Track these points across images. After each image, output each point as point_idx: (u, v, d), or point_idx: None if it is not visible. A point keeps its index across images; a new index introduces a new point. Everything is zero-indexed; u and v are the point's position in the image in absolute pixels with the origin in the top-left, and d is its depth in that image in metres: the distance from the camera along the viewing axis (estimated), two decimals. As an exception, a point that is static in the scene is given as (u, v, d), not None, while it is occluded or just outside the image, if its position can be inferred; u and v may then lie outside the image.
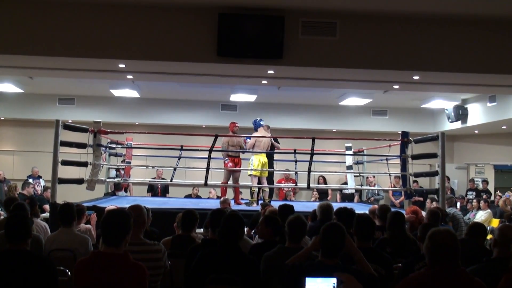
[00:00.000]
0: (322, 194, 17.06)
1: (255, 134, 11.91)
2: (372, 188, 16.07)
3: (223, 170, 12.25)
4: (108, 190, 14.13)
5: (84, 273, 4.01)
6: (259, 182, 11.99)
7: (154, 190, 16.24)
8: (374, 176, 16.33)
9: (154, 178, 16.18)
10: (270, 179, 12.52)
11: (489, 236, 8.56)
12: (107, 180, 13.07)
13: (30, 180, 15.06)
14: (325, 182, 17.74)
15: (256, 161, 11.76)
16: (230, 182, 12.22)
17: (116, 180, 13.85)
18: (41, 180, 16.02)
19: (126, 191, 14.99)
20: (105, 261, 4.01)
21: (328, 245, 4.26)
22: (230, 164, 12.00)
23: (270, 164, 12.31)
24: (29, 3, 9.10)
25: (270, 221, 5.86)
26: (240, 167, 12.29)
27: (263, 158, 11.84)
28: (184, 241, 6.28)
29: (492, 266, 4.48)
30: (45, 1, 9.09)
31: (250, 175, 11.94)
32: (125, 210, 4.50)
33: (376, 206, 9.32)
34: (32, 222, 5.19)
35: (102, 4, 9.14)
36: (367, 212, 8.33)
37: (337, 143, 15.53)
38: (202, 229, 7.76)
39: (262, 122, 12.08)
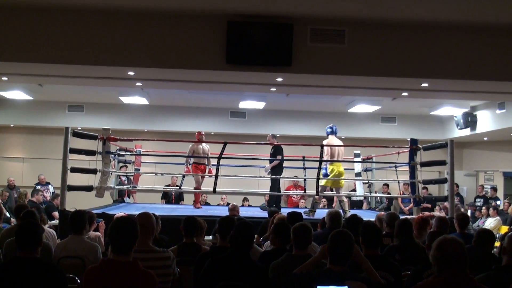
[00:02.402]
0: (330, 201, 17.04)
1: (325, 141, 11.78)
2: (377, 195, 16.05)
3: (231, 177, 12.34)
4: (116, 197, 14.15)
5: (93, 281, 4.01)
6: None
7: (168, 197, 16.24)
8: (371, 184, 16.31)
9: (169, 185, 16.17)
10: (277, 187, 12.43)
11: (497, 243, 8.54)
12: (116, 187, 13.09)
13: (39, 187, 15.12)
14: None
15: (329, 170, 11.61)
16: (238, 189, 12.24)
17: (119, 187, 13.82)
18: (50, 186, 16.08)
19: (129, 197, 14.98)
20: (115, 269, 4.01)
21: (337, 252, 4.27)
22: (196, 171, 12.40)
23: (274, 172, 12.25)
24: (39, 11, 9.15)
25: (280, 230, 5.86)
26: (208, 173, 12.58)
27: (337, 167, 11.59)
28: (189, 248, 6.30)
29: (501, 274, 4.46)
30: (54, 9, 9.14)
31: (322, 185, 11.89)
32: (131, 217, 4.51)
33: (383, 213, 9.30)
34: (43, 230, 5.21)
35: (111, 12, 9.19)
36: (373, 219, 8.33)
37: (346, 150, 15.48)
38: (211, 236, 7.77)
39: (328, 130, 12.01)
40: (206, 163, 12.77)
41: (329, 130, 11.98)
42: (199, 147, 12.58)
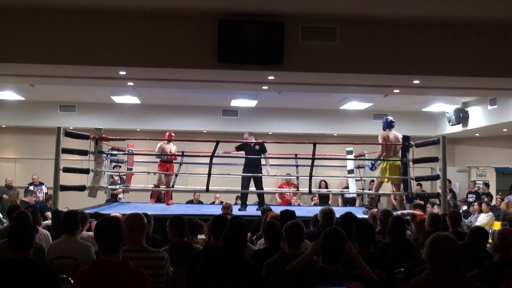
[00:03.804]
0: (324, 198, 17.05)
1: (381, 136, 11.72)
2: (370, 192, 16.08)
3: (224, 176, 12.38)
4: (109, 197, 14.14)
5: (84, 283, 4.01)
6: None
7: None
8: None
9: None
10: (259, 184, 12.36)
11: (491, 239, 8.55)
12: (109, 186, 13.08)
13: (31, 188, 15.08)
14: (326, 187, 17.74)
15: (383, 165, 11.59)
16: (231, 187, 12.22)
17: (112, 187, 13.82)
18: (43, 186, 16.03)
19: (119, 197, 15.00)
20: (106, 269, 4.01)
21: (329, 251, 4.28)
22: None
23: (254, 170, 12.15)
24: (30, 11, 9.13)
25: (269, 228, 5.87)
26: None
27: (394, 161, 11.45)
28: (180, 247, 6.30)
29: (493, 271, 4.48)
30: (45, 9, 9.11)
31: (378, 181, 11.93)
32: (114, 217, 4.51)
33: (376, 210, 9.32)
34: (36, 231, 5.20)
35: (102, 11, 9.17)
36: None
37: (338, 147, 15.52)
38: (204, 235, 7.76)
39: (384, 121, 11.91)
40: (172, 161, 13.24)
41: (384, 124, 11.89)
42: (167, 146, 12.95)
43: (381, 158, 11.56)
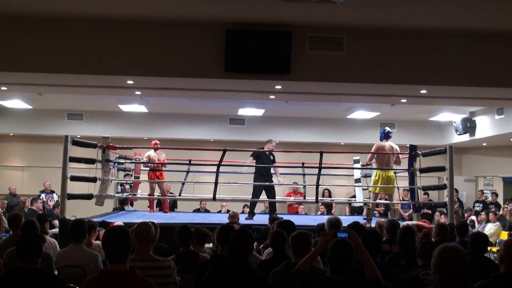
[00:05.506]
0: (329, 207, 17.05)
1: (374, 147, 11.79)
2: (377, 201, 16.06)
3: (231, 184, 12.38)
4: (116, 205, 14.15)
5: (92, 293, 4.02)
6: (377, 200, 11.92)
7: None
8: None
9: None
10: (272, 193, 12.37)
11: (496, 249, 8.54)
12: (116, 195, 13.10)
13: (43, 195, 15.10)
14: (329, 195, 17.72)
15: (375, 177, 11.62)
16: (237, 196, 12.22)
17: (124, 195, 13.87)
18: (54, 194, 16.00)
19: (132, 205, 15.01)
20: (113, 279, 4.01)
21: (337, 261, 4.27)
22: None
23: (268, 179, 12.15)
24: (39, 21, 9.19)
25: (275, 239, 5.86)
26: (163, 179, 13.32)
27: (386, 172, 11.48)
28: (187, 256, 6.31)
29: (500, 281, 4.47)
30: (54, 19, 9.17)
31: (373, 192, 11.97)
32: (123, 226, 4.52)
33: (382, 219, 9.31)
34: (44, 241, 5.21)
35: (110, 21, 9.22)
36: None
37: (345, 156, 15.52)
38: (211, 244, 7.77)
39: (381, 132, 11.97)
40: (162, 169, 13.45)
41: (381, 134, 11.98)
42: (154, 155, 13.16)
43: (371, 167, 11.57)
